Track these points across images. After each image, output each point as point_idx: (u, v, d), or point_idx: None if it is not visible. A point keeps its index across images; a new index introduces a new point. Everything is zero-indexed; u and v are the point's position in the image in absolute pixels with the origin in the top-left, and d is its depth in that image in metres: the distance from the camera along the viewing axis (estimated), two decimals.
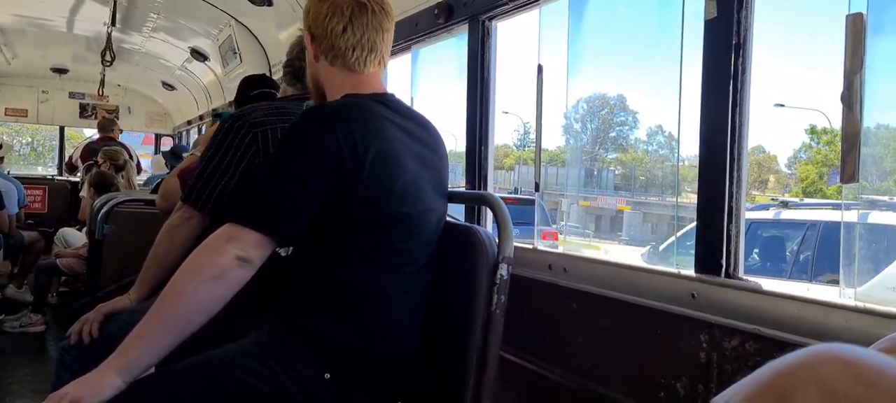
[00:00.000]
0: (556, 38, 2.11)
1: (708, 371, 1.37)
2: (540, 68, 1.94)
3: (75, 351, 1.71)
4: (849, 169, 1.19)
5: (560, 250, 1.84)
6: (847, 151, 1.19)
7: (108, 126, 6.39)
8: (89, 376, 1.19)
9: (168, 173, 5.42)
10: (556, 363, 1.79)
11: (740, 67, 1.37)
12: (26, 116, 8.40)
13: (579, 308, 1.72)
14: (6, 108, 8.13)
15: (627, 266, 1.60)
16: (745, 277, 1.38)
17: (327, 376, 1.32)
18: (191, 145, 6.88)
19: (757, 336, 1.26)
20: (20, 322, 4.41)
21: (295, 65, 2.00)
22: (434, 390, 1.50)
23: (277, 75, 3.42)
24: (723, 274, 1.38)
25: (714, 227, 1.39)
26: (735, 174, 1.38)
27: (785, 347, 1.21)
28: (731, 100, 1.37)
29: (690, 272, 1.44)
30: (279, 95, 2.21)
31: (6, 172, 5.66)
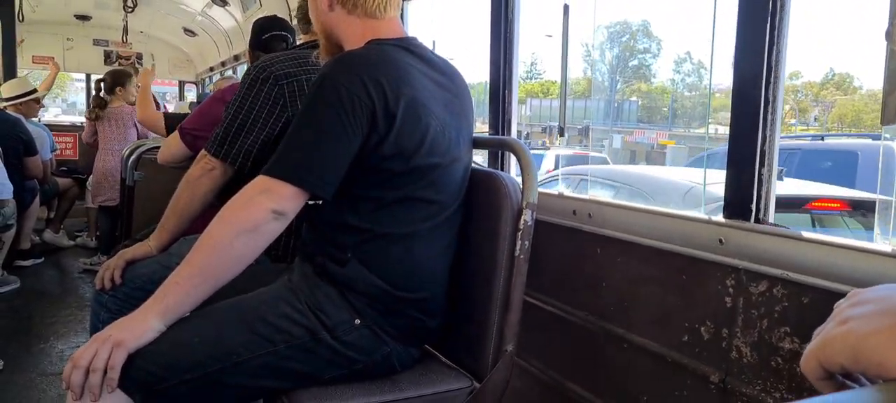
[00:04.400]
0: None
1: (733, 315, 1.37)
2: (566, 8, 1.88)
3: (111, 293, 1.77)
4: (891, 109, 1.15)
5: (584, 196, 1.83)
6: (889, 92, 1.15)
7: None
8: (130, 319, 1.23)
9: None
10: (578, 306, 1.80)
11: (779, 3, 1.32)
12: None
13: (603, 253, 1.72)
14: (33, 56, 8.19)
15: (654, 211, 1.59)
16: (775, 223, 1.36)
17: (357, 321, 1.34)
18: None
19: (785, 280, 1.25)
20: (91, 262, 4.66)
21: (303, 9, 1.98)
22: (460, 333, 1.52)
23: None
24: (752, 220, 1.36)
25: (745, 172, 1.37)
26: (769, 116, 1.35)
27: (814, 292, 1.20)
28: (767, 39, 1.32)
29: (720, 217, 1.42)
30: (298, 42, 2.19)
31: (38, 120, 5.76)
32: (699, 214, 1.50)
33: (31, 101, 4.92)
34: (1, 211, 3.78)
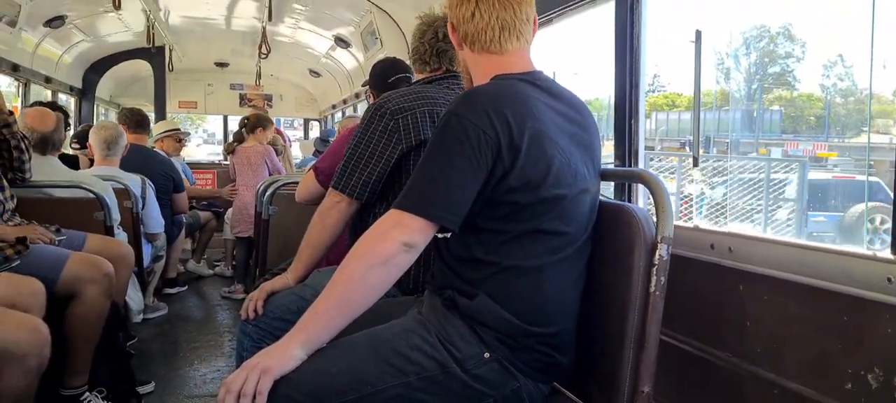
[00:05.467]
0: None
1: None
2: (698, 34, 1.80)
3: (254, 323, 1.88)
4: None
5: (723, 228, 1.72)
6: None
7: None
8: (275, 348, 1.30)
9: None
10: (719, 347, 1.69)
11: None
12: (196, 108, 9.37)
13: (747, 290, 1.61)
14: (179, 101, 9.08)
15: (807, 246, 1.46)
16: None
17: (487, 355, 1.34)
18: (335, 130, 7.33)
19: None
20: (230, 290, 5.05)
21: (419, 50, 2.08)
22: (591, 370, 1.47)
23: None
24: None
25: None
26: None
27: None
28: None
29: (887, 254, 1.28)
30: (413, 80, 2.28)
31: (181, 158, 6.32)
32: (862, 250, 1.36)
33: (172, 139, 5.42)
34: (153, 243, 4.16)
